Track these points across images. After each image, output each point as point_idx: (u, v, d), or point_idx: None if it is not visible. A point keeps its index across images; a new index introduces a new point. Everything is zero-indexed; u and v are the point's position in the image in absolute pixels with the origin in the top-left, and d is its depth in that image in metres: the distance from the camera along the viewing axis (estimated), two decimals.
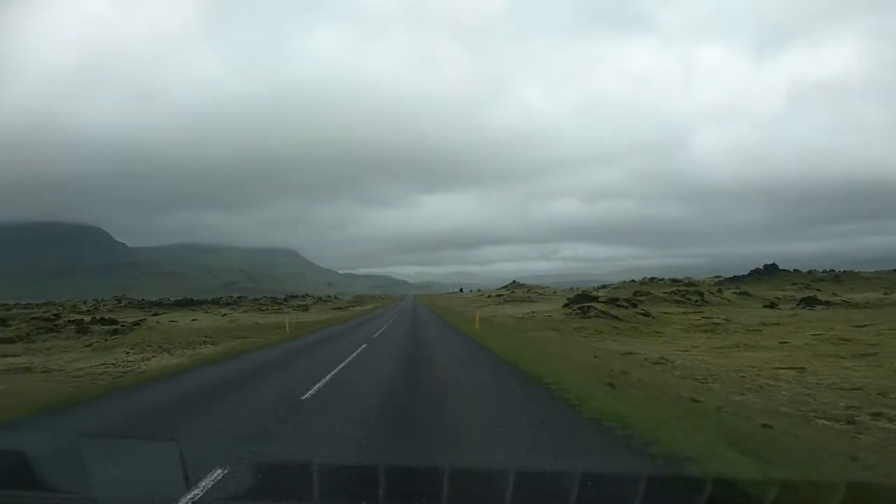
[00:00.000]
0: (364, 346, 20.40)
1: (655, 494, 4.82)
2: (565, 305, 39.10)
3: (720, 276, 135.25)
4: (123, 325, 32.43)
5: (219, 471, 5.56)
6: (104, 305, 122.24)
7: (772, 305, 43.32)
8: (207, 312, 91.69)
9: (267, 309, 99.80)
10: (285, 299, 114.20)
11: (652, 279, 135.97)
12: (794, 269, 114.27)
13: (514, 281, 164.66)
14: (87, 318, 38.98)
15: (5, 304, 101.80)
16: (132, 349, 21.16)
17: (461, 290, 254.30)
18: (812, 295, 46.62)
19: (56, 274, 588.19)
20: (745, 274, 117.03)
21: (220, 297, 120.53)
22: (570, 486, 4.77)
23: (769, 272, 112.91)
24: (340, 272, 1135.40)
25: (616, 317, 32.50)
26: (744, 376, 13.83)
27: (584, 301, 37.01)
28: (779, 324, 31.74)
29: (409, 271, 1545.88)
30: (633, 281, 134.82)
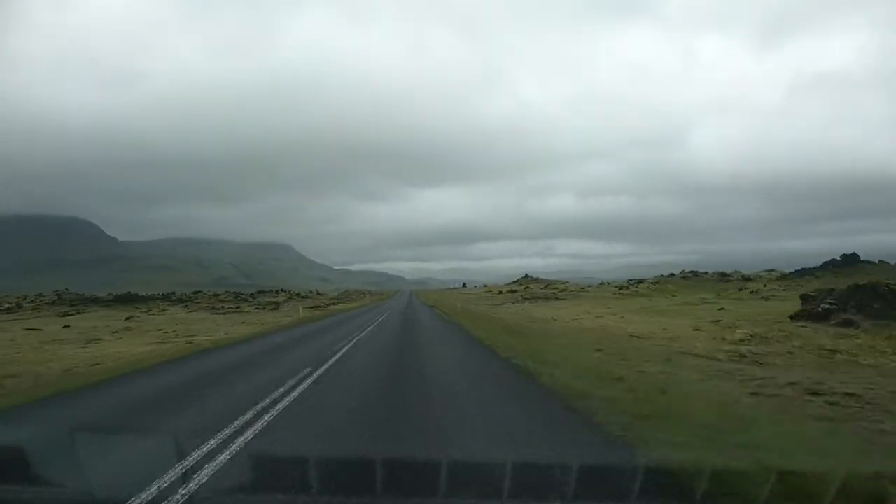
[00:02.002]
0: None
1: (651, 488, 4.46)
2: (800, 317, 17.07)
3: (774, 271, 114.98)
4: None
5: None
6: (42, 299, 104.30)
7: None
8: (152, 313, 72.36)
9: (222, 308, 79.47)
10: (252, 295, 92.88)
11: (693, 272, 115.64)
12: (880, 261, 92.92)
13: (526, 275, 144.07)
14: None
15: None
16: None
17: (464, 285, 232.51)
18: None
19: (45, 267, 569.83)
20: (816, 266, 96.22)
21: (173, 293, 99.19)
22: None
23: (849, 264, 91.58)
24: (336, 268, 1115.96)
25: None
26: None
27: (862, 296, 15.14)
28: None
29: (405, 267, 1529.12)
30: (671, 275, 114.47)
